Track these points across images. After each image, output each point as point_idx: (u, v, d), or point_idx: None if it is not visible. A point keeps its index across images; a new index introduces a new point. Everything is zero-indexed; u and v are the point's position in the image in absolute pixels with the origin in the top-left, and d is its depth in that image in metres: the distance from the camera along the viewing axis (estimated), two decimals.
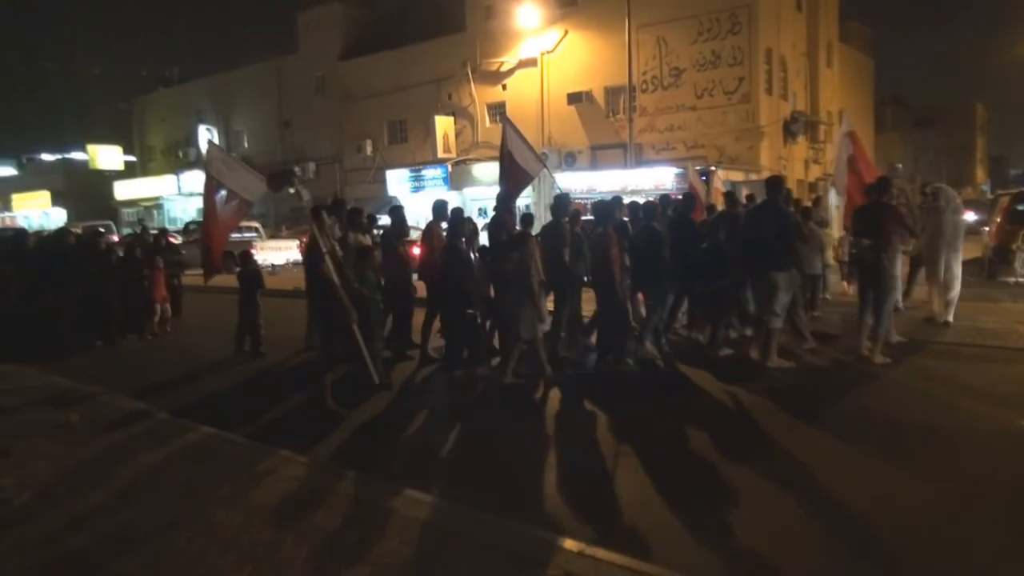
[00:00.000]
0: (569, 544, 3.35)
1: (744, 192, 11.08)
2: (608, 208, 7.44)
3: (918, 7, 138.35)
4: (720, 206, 9.95)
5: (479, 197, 24.66)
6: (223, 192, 6.82)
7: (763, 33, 20.88)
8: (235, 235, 11.42)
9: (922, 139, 46.31)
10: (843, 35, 28.37)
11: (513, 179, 8.23)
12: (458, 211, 7.91)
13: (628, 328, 7.41)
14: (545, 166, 9.18)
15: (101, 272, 9.61)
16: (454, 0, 26.40)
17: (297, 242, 21.93)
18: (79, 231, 13.52)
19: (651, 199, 9.93)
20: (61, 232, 12.27)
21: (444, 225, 7.75)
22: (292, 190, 7.01)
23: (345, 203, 7.78)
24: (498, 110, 25.84)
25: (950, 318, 8.46)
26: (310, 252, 6.23)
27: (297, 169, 7.92)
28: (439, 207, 7.90)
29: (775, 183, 7.18)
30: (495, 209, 8.15)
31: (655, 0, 21.53)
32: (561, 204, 7.55)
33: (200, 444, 5.13)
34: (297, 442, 5.06)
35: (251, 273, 8.93)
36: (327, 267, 5.92)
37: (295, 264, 21.13)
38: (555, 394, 6.45)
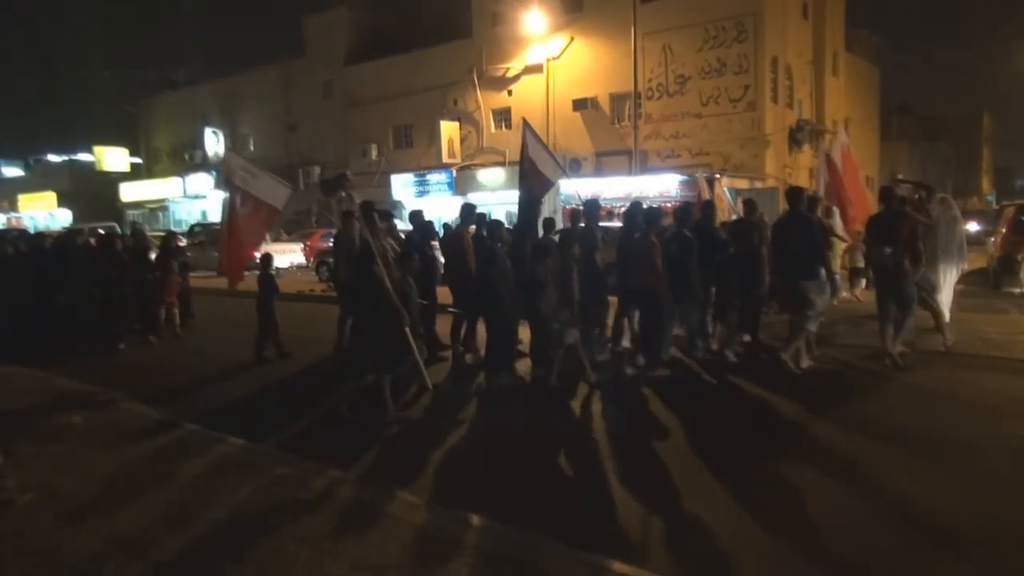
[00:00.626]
0: None
1: (739, 200, 11.03)
2: (650, 214, 7.19)
3: (925, 16, 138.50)
4: (723, 215, 9.95)
5: (484, 202, 24.58)
6: (249, 201, 6.79)
7: (769, 41, 20.93)
8: None
9: (928, 149, 46.26)
10: (849, 43, 28.40)
11: (535, 185, 8.21)
12: (483, 216, 7.84)
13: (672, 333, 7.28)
14: (565, 172, 9.16)
15: (116, 273, 9.60)
16: (460, 6, 26.53)
17: (301, 245, 22.11)
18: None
19: (672, 203, 9.84)
20: (71, 233, 12.35)
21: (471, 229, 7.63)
22: (344, 194, 6.97)
23: (375, 205, 7.69)
24: (503, 116, 25.94)
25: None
26: (362, 255, 6.06)
27: (349, 173, 7.92)
28: (468, 211, 7.75)
29: (795, 193, 7.13)
30: (518, 215, 8.09)
31: (661, 7, 21.67)
32: (592, 209, 7.51)
33: (231, 456, 4.94)
34: (330, 453, 4.91)
35: (268, 277, 8.91)
36: (380, 269, 5.82)
37: (299, 267, 21.21)
38: (587, 400, 6.38)
